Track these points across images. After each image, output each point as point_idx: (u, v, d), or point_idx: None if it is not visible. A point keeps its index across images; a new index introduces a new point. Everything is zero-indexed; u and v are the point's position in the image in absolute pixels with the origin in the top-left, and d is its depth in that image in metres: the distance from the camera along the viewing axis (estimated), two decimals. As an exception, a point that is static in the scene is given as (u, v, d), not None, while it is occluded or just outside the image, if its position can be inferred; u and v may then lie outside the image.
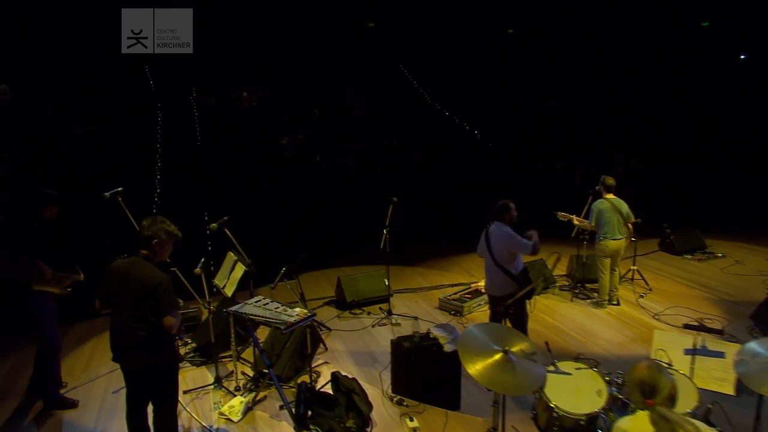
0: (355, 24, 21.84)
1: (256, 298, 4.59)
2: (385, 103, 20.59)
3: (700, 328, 6.51)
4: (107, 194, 5.39)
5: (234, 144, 15.23)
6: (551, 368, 3.42)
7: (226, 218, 5.05)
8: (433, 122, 20.02)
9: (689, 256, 9.36)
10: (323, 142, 16.37)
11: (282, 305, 4.45)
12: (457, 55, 22.62)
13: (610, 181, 7.18)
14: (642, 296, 7.66)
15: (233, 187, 12.40)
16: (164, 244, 3.65)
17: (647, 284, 7.90)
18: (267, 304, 4.49)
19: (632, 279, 8.11)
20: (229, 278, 5.37)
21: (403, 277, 8.91)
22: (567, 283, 8.26)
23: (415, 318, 4.82)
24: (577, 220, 7.44)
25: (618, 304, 7.43)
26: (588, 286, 7.96)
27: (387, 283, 7.77)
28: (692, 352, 3.48)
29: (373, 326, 6.98)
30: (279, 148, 15.64)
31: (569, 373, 3.47)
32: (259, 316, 4.23)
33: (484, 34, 22.46)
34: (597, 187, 7.35)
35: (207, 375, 5.48)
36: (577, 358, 3.64)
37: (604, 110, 17.84)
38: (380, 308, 7.50)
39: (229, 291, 5.25)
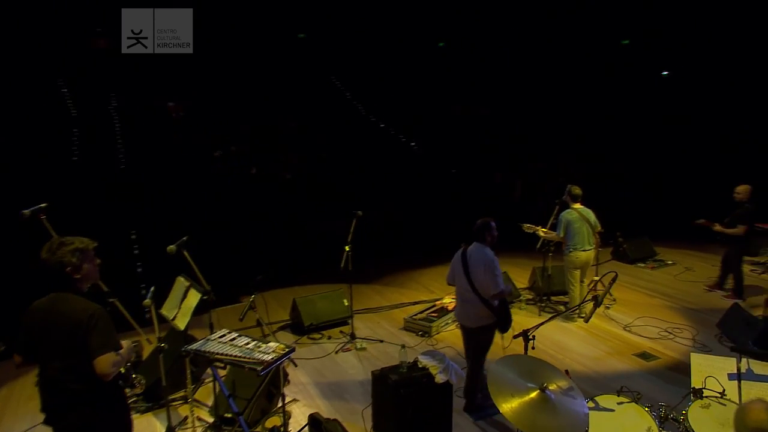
0: (286, 35, 21.21)
1: (219, 333, 3.87)
2: (321, 115, 20.07)
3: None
4: (27, 212, 4.50)
5: (162, 156, 14.15)
6: (591, 404, 2.99)
7: (185, 238, 4.31)
8: (371, 134, 19.70)
9: (642, 264, 9.41)
10: (259, 154, 15.58)
11: (252, 340, 3.76)
12: (391, 68, 22.46)
13: (577, 190, 6.98)
14: (608, 307, 7.51)
15: (164, 202, 11.37)
16: (82, 266, 2.91)
17: (611, 295, 7.77)
18: (234, 339, 3.79)
19: (596, 290, 7.96)
20: (180, 308, 4.60)
21: (359, 296, 8.32)
22: (530, 297, 8.00)
23: (402, 346, 4.30)
24: (543, 232, 7.20)
25: (584, 316, 7.21)
26: (553, 298, 7.73)
27: (347, 304, 7.21)
28: (737, 377, 3.18)
29: (336, 352, 6.37)
30: (212, 160, 14.68)
31: (612, 409, 3.06)
32: (227, 355, 3.52)
33: (415, 47, 22.43)
34: (563, 197, 7.14)
35: (155, 424, 4.67)
36: (619, 392, 3.24)
37: (541, 121, 18.13)
38: (341, 332, 6.90)
39: (181, 323, 4.48)
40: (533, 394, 2.71)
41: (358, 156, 16.70)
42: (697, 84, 15.37)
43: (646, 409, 3.06)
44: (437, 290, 8.41)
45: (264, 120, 18.29)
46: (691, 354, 3.62)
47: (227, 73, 18.57)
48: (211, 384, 4.68)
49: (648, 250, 9.69)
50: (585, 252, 6.90)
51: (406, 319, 7.09)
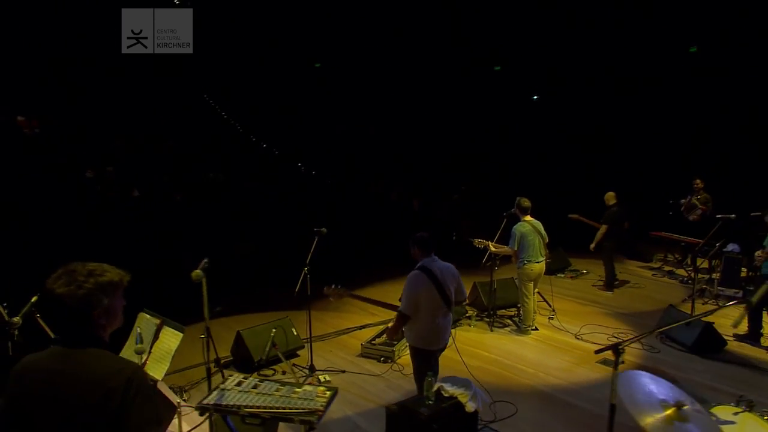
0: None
1: (233, 380, 3.10)
2: (202, 134, 18.77)
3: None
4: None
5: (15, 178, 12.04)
6: (713, 418, 2.80)
7: (206, 261, 3.45)
8: (257, 155, 18.83)
9: (561, 275, 9.80)
10: (140, 174, 13.97)
11: (283, 385, 3.06)
12: (269, 88, 21.77)
13: (526, 202, 7.02)
14: (551, 318, 7.62)
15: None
16: (112, 306, 2.06)
17: (550, 305, 7.91)
18: (257, 386, 3.05)
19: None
20: (150, 351, 3.68)
21: (297, 323, 7.60)
22: (472, 313, 7.86)
23: (429, 374, 3.74)
24: (494, 246, 7.14)
25: (537, 329, 7.26)
26: (499, 312, 7.68)
27: (296, 333, 6.52)
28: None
29: (299, 389, 5.64)
30: (85, 181, 12.83)
31: (732, 422, 2.89)
32: (266, 408, 2.79)
33: (293, 67, 22.01)
34: (512, 210, 7.15)
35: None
36: (738, 401, 3.08)
37: (429, 139, 18.58)
38: (294, 365, 6.17)
39: (157, 372, 3.58)
40: (669, 412, 2.46)
41: (249, 176, 15.76)
42: (586, 103, 16.70)
43: (766, 418, 2.95)
44: (379, 313, 7.96)
45: (139, 138, 16.60)
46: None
47: (95, 85, 16.61)
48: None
49: (563, 260, 10.14)
50: (538, 264, 6.94)
51: (363, 345, 6.55)
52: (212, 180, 14.82)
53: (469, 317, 7.61)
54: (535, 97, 19.94)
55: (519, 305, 7.83)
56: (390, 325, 4.48)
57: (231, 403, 2.86)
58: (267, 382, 3.10)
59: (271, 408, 2.79)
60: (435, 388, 3.95)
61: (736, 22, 11.81)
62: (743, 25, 11.74)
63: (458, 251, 7.35)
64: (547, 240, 7.09)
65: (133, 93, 18.08)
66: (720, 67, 12.88)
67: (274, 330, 6.17)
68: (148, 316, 3.84)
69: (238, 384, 3.06)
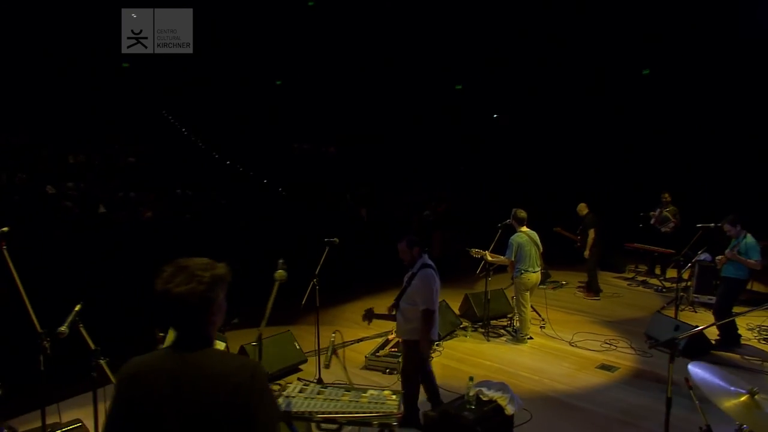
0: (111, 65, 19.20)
1: (294, 387, 3.03)
2: (165, 150, 18.36)
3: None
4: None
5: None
6: None
7: (282, 261, 3.36)
8: (223, 172, 18.55)
9: (543, 286, 9.99)
10: (105, 191, 13.48)
11: (348, 390, 3.02)
12: (232, 106, 21.60)
13: (522, 213, 7.19)
14: (542, 327, 7.79)
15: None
16: (223, 302, 2.00)
17: (540, 315, 8.07)
18: (320, 392, 2.99)
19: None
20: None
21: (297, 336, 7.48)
22: (467, 324, 7.93)
23: (471, 378, 3.80)
24: (491, 256, 7.27)
25: (532, 338, 7.40)
26: (493, 322, 7.78)
27: (298, 347, 6.42)
28: None
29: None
30: (47, 197, 12.26)
31: None
32: (341, 413, 2.73)
33: (254, 85, 21.92)
34: (508, 221, 7.31)
35: None
36: None
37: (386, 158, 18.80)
38: (299, 379, 6.04)
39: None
40: (744, 398, 2.59)
41: (218, 194, 15.44)
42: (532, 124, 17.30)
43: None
44: (373, 324, 7.90)
45: (98, 155, 16.06)
46: None
47: (51, 98, 16.01)
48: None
49: (544, 272, 10.37)
50: (535, 273, 7.10)
51: (368, 357, 6.50)
52: (181, 197, 14.43)
53: (464, 328, 7.67)
54: (495, 116, 20.51)
55: (509, 316, 8.00)
56: (420, 328, 4.54)
57: (302, 410, 2.79)
58: (330, 388, 3.05)
59: (346, 413, 2.74)
60: (473, 392, 3.97)
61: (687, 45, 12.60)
62: (694, 48, 12.52)
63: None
64: (542, 250, 7.27)
65: (92, 109, 17.56)
66: (674, 89, 13.68)
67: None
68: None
69: (301, 391, 3.00)
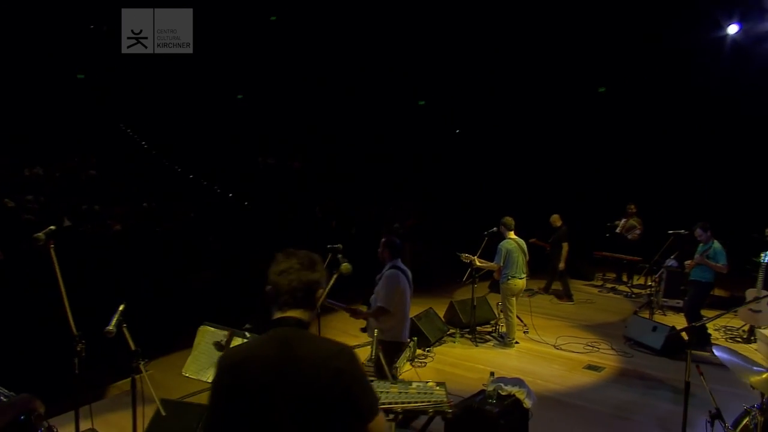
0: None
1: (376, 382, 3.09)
2: (127, 164, 17.94)
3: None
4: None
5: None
6: None
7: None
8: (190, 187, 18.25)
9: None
10: (67, 204, 13.05)
11: (394, 383, 3.10)
12: (197, 121, 21.32)
13: (510, 221, 7.46)
14: (526, 332, 8.03)
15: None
16: (322, 292, 2.13)
17: (522, 321, 8.31)
18: (393, 386, 3.05)
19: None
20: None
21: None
22: (455, 330, 8.08)
23: (492, 373, 3.94)
24: (480, 262, 7.48)
25: (518, 342, 7.63)
26: (479, 329, 7.97)
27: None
28: None
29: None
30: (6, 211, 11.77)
31: None
32: (396, 403, 2.81)
33: (216, 100, 21.72)
34: (495, 229, 7.55)
35: None
36: None
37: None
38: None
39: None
40: (765, 375, 2.85)
41: (185, 207, 15.18)
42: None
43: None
44: (356, 332, 7.97)
45: (58, 167, 15.54)
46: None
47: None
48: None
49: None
50: (521, 280, 7.35)
51: (364, 365, 6.54)
52: (147, 210, 14.11)
53: (452, 335, 7.82)
54: (457, 131, 20.93)
55: (493, 322, 8.22)
56: (363, 310, 4.95)
57: (387, 402, 2.86)
58: (376, 381, 3.13)
59: (402, 403, 2.83)
60: (492, 387, 4.11)
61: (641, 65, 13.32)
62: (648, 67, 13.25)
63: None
64: (528, 258, 7.54)
65: (50, 120, 17.01)
66: (629, 107, 14.42)
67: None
68: (211, 329, 3.70)
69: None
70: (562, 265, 9.69)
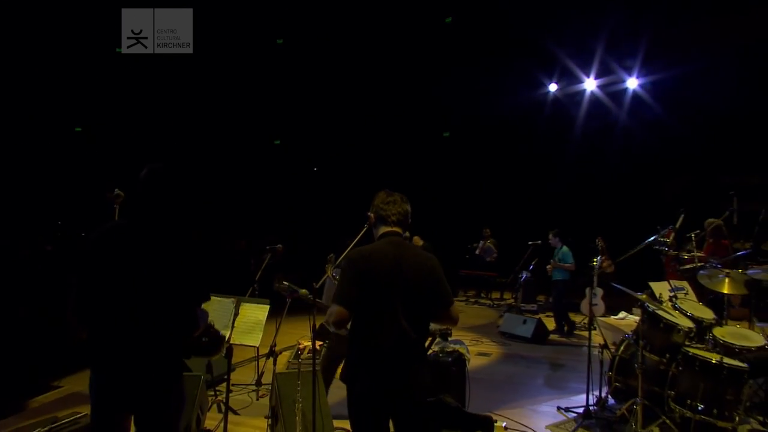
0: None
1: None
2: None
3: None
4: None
5: None
6: None
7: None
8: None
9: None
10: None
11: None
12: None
13: (420, 242, 8.55)
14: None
15: None
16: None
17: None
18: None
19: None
20: (233, 326, 4.05)
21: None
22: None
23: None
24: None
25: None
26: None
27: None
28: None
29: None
30: None
31: None
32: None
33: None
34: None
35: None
36: None
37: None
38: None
39: (251, 340, 3.96)
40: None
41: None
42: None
43: None
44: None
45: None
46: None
47: None
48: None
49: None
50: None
51: (290, 362, 7.06)
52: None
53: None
54: (315, 169, 21.72)
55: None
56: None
57: None
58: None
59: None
60: (439, 347, 5.08)
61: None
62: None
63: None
64: None
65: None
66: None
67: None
68: (218, 298, 4.17)
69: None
70: None
